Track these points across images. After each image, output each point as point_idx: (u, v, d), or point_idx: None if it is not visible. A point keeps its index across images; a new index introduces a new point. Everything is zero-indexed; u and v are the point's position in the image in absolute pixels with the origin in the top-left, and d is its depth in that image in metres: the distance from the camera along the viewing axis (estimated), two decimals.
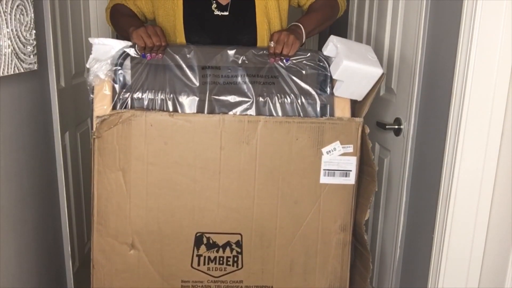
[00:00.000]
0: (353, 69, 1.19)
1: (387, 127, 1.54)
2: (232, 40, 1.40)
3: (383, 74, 1.26)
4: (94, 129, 1.20)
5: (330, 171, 1.24)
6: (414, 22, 1.40)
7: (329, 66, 1.25)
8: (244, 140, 1.20)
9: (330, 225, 1.28)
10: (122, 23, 1.40)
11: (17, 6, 1.19)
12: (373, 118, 1.71)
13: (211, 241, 1.27)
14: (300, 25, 1.31)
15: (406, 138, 1.46)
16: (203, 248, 1.27)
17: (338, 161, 1.23)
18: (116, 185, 1.21)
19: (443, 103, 1.25)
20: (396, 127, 1.51)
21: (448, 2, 1.24)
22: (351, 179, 1.25)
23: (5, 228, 1.21)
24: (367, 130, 1.23)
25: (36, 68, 1.32)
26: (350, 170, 1.24)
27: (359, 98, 1.26)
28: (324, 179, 1.24)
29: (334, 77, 1.21)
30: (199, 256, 1.27)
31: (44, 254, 1.47)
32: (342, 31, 2.28)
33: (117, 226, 1.24)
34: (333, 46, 1.23)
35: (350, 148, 1.23)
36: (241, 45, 1.33)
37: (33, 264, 1.39)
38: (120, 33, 1.45)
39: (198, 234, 1.26)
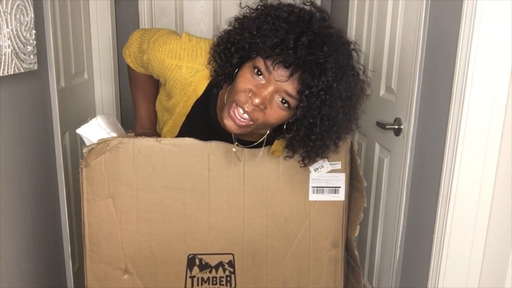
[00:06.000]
0: None
1: (387, 127, 1.54)
2: None
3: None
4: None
5: (318, 188, 1.25)
6: (414, 22, 1.40)
7: None
8: (232, 161, 1.21)
9: (321, 242, 1.29)
10: (134, 96, 1.38)
11: (17, 6, 1.19)
12: (373, 118, 1.71)
13: (203, 262, 1.29)
14: None
15: (406, 138, 1.46)
16: (196, 269, 1.29)
17: (327, 178, 1.24)
18: (106, 212, 1.23)
19: (443, 103, 1.25)
20: (396, 127, 1.51)
21: (448, 2, 1.24)
22: (341, 196, 1.26)
23: (5, 228, 1.21)
24: (355, 147, 1.24)
25: (36, 68, 1.32)
26: (339, 187, 1.25)
27: None
28: (313, 197, 1.25)
29: None
30: (192, 277, 1.29)
31: (44, 254, 1.47)
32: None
33: (109, 252, 1.26)
34: None
35: (338, 165, 1.24)
36: None
37: (33, 264, 1.39)
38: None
39: (190, 256, 1.28)
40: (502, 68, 1.12)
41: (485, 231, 1.23)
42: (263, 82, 0.98)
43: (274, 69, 0.96)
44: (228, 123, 1.02)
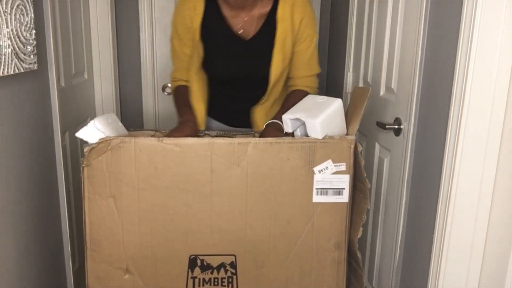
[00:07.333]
0: (327, 118, 1.20)
1: (387, 127, 1.54)
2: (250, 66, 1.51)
3: (369, 89, 1.29)
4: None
5: (322, 190, 1.24)
6: (414, 22, 1.40)
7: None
8: (235, 162, 1.20)
9: (324, 244, 1.28)
10: (178, 108, 1.56)
11: (17, 6, 1.19)
12: (373, 118, 1.71)
13: (205, 263, 1.28)
14: (279, 122, 1.38)
15: (406, 138, 1.46)
16: (197, 270, 1.28)
17: (331, 180, 1.23)
18: (108, 212, 1.22)
19: (443, 103, 1.25)
20: (396, 127, 1.51)
21: (448, 2, 1.24)
22: (345, 197, 1.24)
23: (5, 228, 1.21)
24: (360, 148, 1.22)
25: (36, 68, 1.32)
26: (343, 188, 1.24)
27: (345, 130, 1.27)
28: (316, 198, 1.24)
29: (319, 137, 1.21)
30: (193, 278, 1.28)
31: (44, 254, 1.47)
32: (342, 31, 2.28)
33: (111, 252, 1.25)
34: (293, 121, 1.26)
35: (342, 166, 1.22)
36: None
37: (33, 264, 1.39)
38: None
39: (192, 257, 1.27)
40: (502, 68, 1.12)
41: (485, 231, 1.23)
42: None
43: None
44: None
